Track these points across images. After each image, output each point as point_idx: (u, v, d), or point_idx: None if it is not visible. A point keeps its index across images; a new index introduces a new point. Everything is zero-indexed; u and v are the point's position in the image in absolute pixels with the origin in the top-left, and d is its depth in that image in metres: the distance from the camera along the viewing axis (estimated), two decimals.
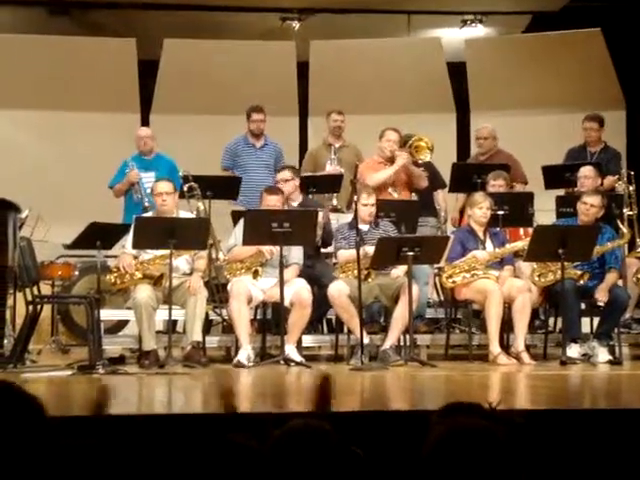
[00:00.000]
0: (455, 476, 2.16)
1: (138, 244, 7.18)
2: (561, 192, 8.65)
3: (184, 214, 7.57)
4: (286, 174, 8.10)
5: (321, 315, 7.92)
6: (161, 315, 7.23)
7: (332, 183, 8.71)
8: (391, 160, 8.31)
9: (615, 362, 7.16)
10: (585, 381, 6.49)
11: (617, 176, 8.54)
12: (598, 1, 10.27)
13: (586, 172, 8.20)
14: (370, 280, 7.20)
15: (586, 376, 6.65)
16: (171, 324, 7.23)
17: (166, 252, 7.03)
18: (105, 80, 10.75)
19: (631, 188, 8.01)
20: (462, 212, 8.31)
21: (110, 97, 10.74)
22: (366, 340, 7.08)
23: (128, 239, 7.30)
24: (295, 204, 8.02)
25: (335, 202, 8.72)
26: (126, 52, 10.80)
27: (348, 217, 7.93)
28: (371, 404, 5.28)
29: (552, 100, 10.54)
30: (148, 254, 7.30)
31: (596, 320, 7.52)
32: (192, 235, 7.09)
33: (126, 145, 9.13)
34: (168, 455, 3.09)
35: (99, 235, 7.43)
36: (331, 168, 8.91)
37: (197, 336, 7.11)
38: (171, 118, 10.72)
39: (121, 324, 8.61)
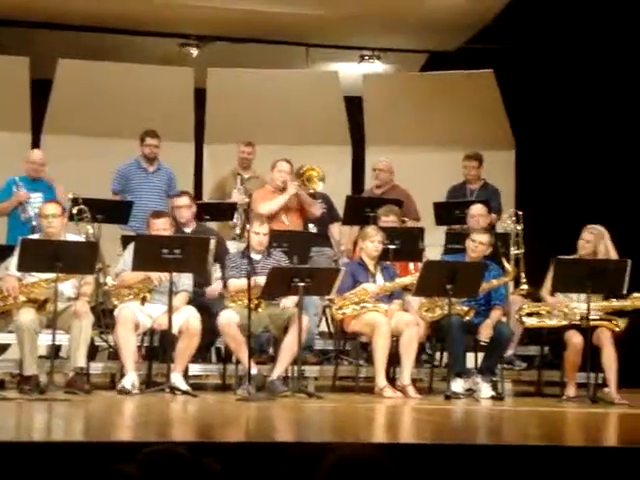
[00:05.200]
0: None
1: (23, 267, 6.99)
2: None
3: (72, 237, 7.42)
4: (185, 200, 8.04)
5: (210, 344, 7.85)
6: (44, 339, 7.05)
7: (226, 211, 8.70)
8: (283, 190, 8.44)
9: (497, 397, 7.28)
10: (468, 416, 6.57)
11: (497, 214, 8.79)
12: (492, 43, 10.51)
13: (477, 210, 8.36)
14: (260, 310, 7.17)
15: (469, 411, 6.74)
16: (54, 349, 7.06)
17: (52, 275, 6.87)
18: None
19: (519, 227, 8.17)
20: (355, 244, 8.38)
21: (1, 116, 10.49)
22: (254, 370, 7.05)
23: (12, 261, 7.10)
24: (188, 230, 7.96)
25: (238, 231, 8.69)
26: (18, 70, 10.56)
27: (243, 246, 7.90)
28: (256, 435, 5.24)
29: (445, 138, 10.72)
30: (33, 277, 7.12)
31: (481, 355, 7.64)
32: (79, 259, 6.95)
33: (16, 165, 8.91)
34: None
35: None
36: (237, 198, 8.89)
37: (81, 362, 6.96)
38: (63, 139, 10.51)
39: (2, 348, 8.35)
